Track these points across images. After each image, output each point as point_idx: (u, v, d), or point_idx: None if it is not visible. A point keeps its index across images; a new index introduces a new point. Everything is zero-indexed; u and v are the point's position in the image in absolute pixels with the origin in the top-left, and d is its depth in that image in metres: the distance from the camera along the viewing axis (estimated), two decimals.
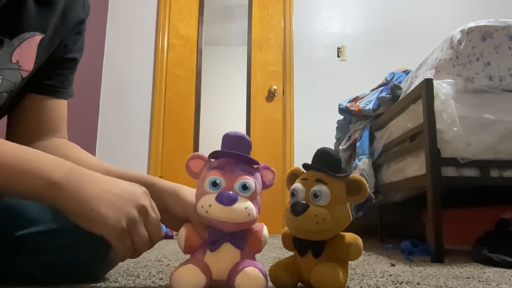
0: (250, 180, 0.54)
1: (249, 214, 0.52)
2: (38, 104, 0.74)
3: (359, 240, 0.59)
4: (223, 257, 0.54)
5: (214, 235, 0.54)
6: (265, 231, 0.58)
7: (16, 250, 0.61)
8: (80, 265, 0.62)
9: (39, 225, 0.61)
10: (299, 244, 0.60)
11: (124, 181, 0.56)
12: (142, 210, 0.53)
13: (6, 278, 0.61)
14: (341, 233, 0.60)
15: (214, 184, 0.53)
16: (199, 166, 0.57)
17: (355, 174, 0.59)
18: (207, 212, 0.51)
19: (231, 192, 0.52)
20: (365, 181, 0.58)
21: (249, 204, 0.53)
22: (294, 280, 0.60)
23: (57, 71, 0.75)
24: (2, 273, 0.61)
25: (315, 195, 0.56)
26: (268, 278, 0.56)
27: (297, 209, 0.56)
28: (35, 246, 0.60)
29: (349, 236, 0.59)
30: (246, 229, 0.56)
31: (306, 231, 0.57)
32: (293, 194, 0.59)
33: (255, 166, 0.58)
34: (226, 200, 0.51)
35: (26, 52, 0.65)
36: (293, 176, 0.63)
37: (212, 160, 0.57)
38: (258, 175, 0.57)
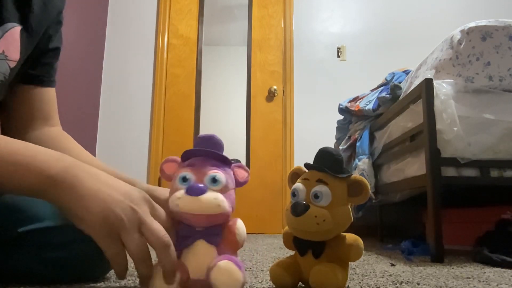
0: (219, 174, 0.53)
1: (219, 205, 0.51)
2: (26, 94, 0.75)
3: (360, 241, 0.59)
4: (198, 255, 0.52)
5: (185, 231, 0.53)
6: (239, 224, 0.55)
7: (19, 246, 0.61)
8: (83, 262, 0.62)
9: (42, 221, 0.62)
10: (300, 244, 0.60)
11: (125, 183, 0.54)
12: (135, 213, 0.50)
13: (9, 275, 0.61)
14: (342, 233, 0.60)
15: (184, 179, 0.53)
16: (173, 168, 0.57)
17: (357, 175, 0.59)
18: (177, 205, 0.51)
19: (200, 184, 0.52)
20: (367, 182, 0.58)
21: (219, 195, 0.52)
22: (295, 280, 0.60)
23: (41, 61, 0.77)
24: (6, 270, 0.61)
25: (316, 196, 0.56)
26: (245, 273, 0.52)
27: (298, 209, 0.56)
28: (38, 243, 0.61)
29: (350, 237, 0.59)
30: (220, 226, 0.54)
31: (306, 231, 0.57)
32: (294, 194, 0.59)
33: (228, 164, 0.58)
34: (194, 190, 0.51)
35: (10, 42, 0.65)
36: (295, 175, 0.63)
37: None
38: (230, 172, 0.57)
